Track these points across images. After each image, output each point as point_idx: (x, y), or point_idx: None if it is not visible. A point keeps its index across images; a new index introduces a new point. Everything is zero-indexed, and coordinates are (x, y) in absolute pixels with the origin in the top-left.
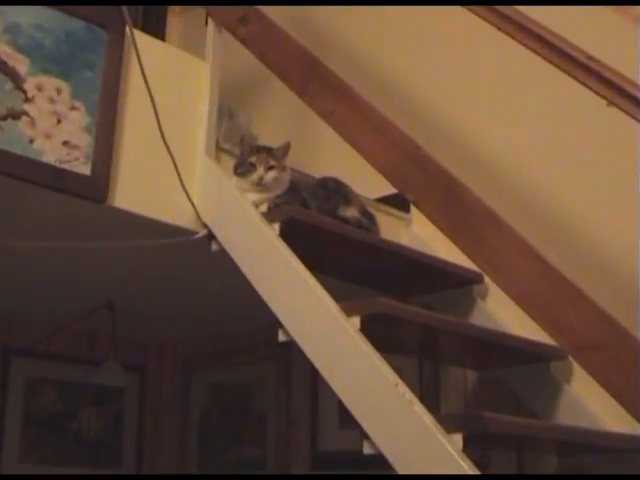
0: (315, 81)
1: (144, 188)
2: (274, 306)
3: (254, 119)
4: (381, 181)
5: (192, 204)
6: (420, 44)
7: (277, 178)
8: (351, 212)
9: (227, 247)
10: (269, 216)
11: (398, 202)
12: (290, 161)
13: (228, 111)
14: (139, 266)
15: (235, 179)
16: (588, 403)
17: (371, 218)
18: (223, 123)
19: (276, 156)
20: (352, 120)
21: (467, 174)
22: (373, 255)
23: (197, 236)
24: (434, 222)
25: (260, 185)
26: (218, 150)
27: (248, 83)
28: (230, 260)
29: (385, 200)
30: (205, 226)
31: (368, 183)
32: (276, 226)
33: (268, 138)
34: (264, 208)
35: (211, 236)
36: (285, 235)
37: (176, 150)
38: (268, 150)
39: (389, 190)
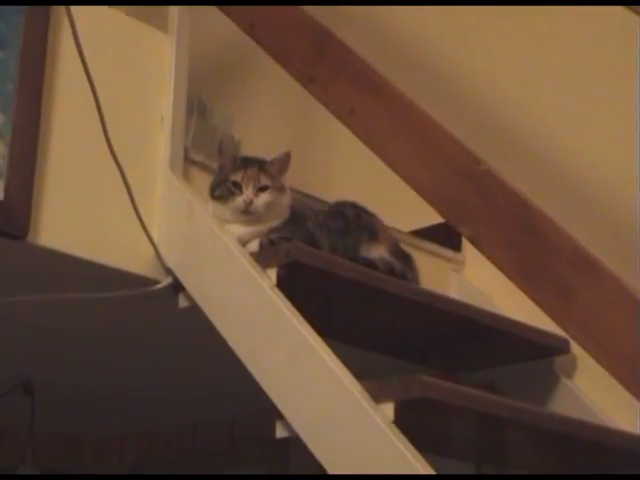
0: (327, 64)
1: (81, 219)
2: (269, 387)
3: (236, 118)
4: (422, 207)
5: (151, 241)
6: (484, 18)
7: (272, 203)
8: (378, 252)
9: (200, 302)
10: (262, 258)
11: (445, 237)
12: (291, 179)
13: (198, 106)
14: (72, 330)
15: (212, 205)
16: None
17: (407, 260)
18: (191, 123)
19: (270, 172)
20: (381, 121)
21: (549, 199)
22: (410, 313)
23: (158, 287)
24: (499, 265)
25: (248, 214)
26: (187, 163)
27: (228, 66)
28: (204, 320)
29: (427, 234)
30: (169, 273)
31: (403, 210)
32: (272, 272)
33: (257, 146)
34: (254, 247)
35: (178, 287)
36: (285, 285)
37: (128, 163)
38: (259, 163)
39: (432, 220)
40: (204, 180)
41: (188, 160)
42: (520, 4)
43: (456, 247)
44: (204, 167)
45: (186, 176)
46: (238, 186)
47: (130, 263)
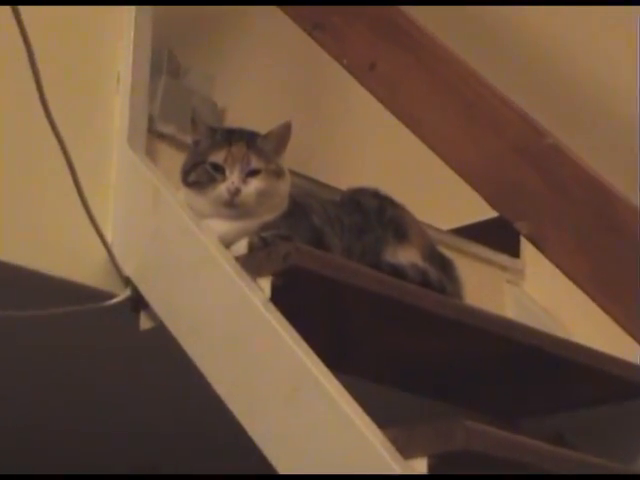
0: (340, 5)
1: (9, 211)
2: (260, 436)
3: (219, 78)
4: (466, 197)
5: (103, 242)
6: None
7: (266, 192)
8: (408, 256)
9: (169, 322)
10: (252, 263)
11: (499, 236)
12: (291, 159)
13: (169, 61)
14: None
15: (185, 193)
16: None
17: (446, 268)
18: (159, 84)
19: (264, 150)
20: (412, 79)
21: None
22: (451, 338)
23: (112, 302)
24: (570, 274)
25: (234, 206)
26: (152, 137)
27: (209, 11)
28: (174, 346)
29: (474, 232)
30: (127, 283)
31: (441, 201)
32: (265, 282)
33: (246, 115)
34: (242, 248)
35: (139, 302)
36: (282, 300)
37: (73, 138)
38: (248, 139)
39: (481, 214)
40: (175, 160)
41: (154, 133)
42: None
43: (513, 250)
44: (175, 142)
45: (151, 154)
46: (220, 169)
47: (75, 270)
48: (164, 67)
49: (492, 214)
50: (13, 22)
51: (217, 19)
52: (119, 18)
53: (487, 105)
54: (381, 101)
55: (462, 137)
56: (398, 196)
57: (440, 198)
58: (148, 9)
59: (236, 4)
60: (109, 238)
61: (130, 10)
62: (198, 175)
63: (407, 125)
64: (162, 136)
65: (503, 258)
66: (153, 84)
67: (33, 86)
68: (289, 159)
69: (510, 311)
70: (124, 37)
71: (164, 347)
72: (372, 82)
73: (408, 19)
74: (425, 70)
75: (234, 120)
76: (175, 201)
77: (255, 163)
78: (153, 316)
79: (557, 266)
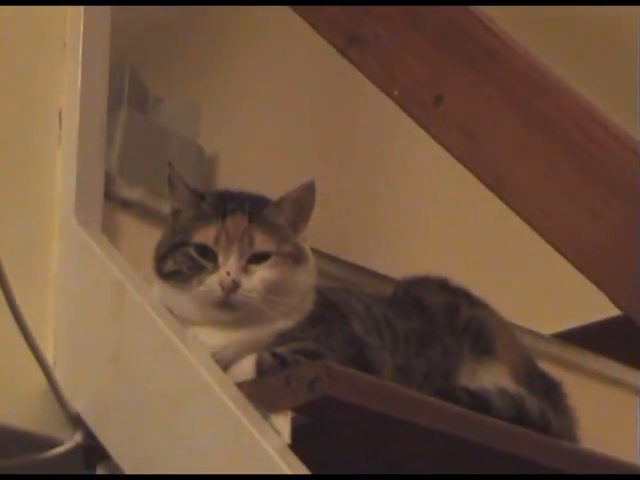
0: (389, 12)
1: None
2: None
3: (206, 112)
4: (579, 288)
5: (41, 363)
6: None
7: (279, 286)
8: (495, 378)
9: None
10: (263, 393)
11: (627, 345)
12: (317, 237)
13: (133, 88)
14: None
15: (160, 287)
16: None
17: (551, 393)
18: (119, 123)
19: (274, 224)
20: (499, 120)
21: None
22: None
23: (55, 452)
24: None
25: (230, 306)
26: (112, 204)
27: (189, 16)
28: None
29: (591, 339)
30: (77, 424)
31: (541, 296)
32: (283, 421)
33: (247, 168)
34: (248, 370)
35: (94, 452)
36: (309, 446)
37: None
38: (252, 206)
39: (600, 312)
40: (146, 238)
41: (114, 199)
42: None
43: None
44: (145, 212)
45: (110, 232)
46: (210, 254)
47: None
48: (125, 95)
49: (616, 312)
50: None
51: (204, 29)
52: (60, 28)
53: (610, 157)
54: (451, 150)
55: (573, 205)
56: (478, 289)
57: (540, 291)
58: (105, 11)
59: (230, 4)
60: (50, 358)
61: (76, 13)
62: (178, 262)
63: (490, 186)
64: (126, 204)
65: (634, 374)
66: (111, 123)
67: None
68: (314, 236)
69: None
70: (68, 56)
71: None
72: (437, 123)
73: (490, 29)
74: (517, 105)
75: (229, 175)
76: (147, 302)
77: (261, 243)
78: (116, 472)
79: None
